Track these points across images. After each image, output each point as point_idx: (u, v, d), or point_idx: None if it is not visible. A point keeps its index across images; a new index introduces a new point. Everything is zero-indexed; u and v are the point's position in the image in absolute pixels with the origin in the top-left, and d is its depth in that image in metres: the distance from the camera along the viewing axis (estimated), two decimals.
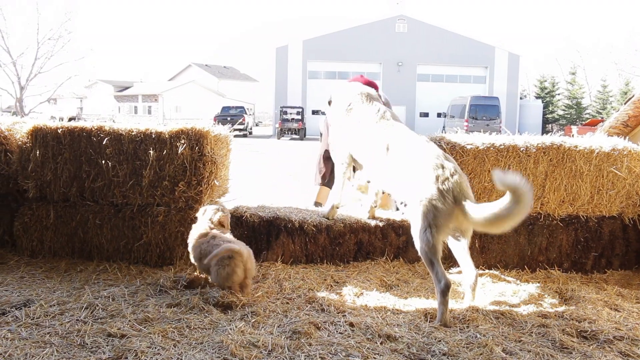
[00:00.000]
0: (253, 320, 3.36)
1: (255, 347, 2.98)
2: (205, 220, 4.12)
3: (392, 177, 4.04)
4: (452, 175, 3.64)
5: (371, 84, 4.90)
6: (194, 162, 4.41)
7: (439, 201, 3.61)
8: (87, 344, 2.98)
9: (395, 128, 4.19)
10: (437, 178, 3.64)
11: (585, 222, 4.92)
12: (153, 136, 4.46)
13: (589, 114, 51.48)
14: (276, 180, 12.55)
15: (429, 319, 3.53)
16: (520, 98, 50.34)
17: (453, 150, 4.66)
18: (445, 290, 3.54)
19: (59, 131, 4.58)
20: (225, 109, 42.61)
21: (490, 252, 4.86)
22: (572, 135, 5.01)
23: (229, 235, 4.08)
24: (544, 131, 41.29)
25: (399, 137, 4.09)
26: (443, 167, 3.68)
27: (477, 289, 4.08)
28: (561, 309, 3.88)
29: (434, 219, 3.63)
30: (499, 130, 28.35)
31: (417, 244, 3.74)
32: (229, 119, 34.57)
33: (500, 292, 4.25)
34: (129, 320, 3.28)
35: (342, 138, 4.49)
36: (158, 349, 2.92)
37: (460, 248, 3.96)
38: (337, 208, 4.88)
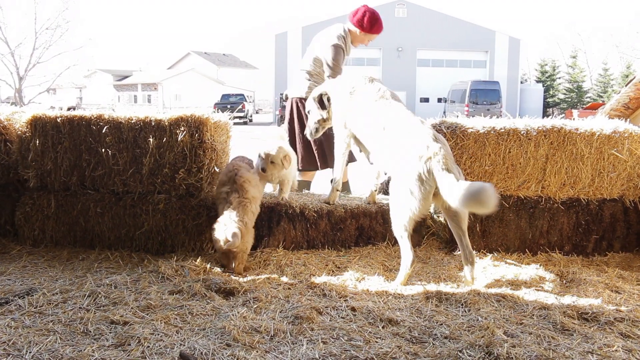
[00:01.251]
0: (255, 306, 3.38)
1: (258, 333, 2.99)
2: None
3: (386, 156, 4.13)
4: (435, 155, 3.72)
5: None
6: (194, 149, 4.40)
7: (415, 184, 3.76)
8: (90, 332, 2.99)
9: (392, 107, 4.24)
10: (420, 158, 3.75)
11: (586, 205, 4.91)
12: (152, 124, 4.45)
13: (590, 97, 51.32)
14: None
15: (430, 303, 3.54)
16: (521, 82, 50.16)
17: (453, 134, 4.65)
18: (408, 265, 3.94)
19: (58, 120, 4.57)
20: (225, 96, 42.55)
21: (491, 235, 4.86)
22: (573, 119, 5.02)
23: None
24: (545, 115, 41.07)
25: (393, 116, 4.17)
26: (427, 148, 3.76)
27: (479, 273, 4.10)
28: (562, 291, 3.90)
29: (411, 202, 3.82)
30: (499, 114, 28.27)
31: (392, 219, 4.04)
32: (228, 106, 34.50)
33: (502, 275, 4.26)
34: (132, 308, 3.30)
35: (345, 119, 4.51)
36: (161, 336, 2.93)
37: (457, 229, 4.00)
38: (338, 190, 4.87)
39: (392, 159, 4.02)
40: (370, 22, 5.57)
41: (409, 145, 3.87)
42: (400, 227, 3.94)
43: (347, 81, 4.56)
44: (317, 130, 4.85)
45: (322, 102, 4.72)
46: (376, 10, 5.68)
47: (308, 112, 4.91)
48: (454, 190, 3.53)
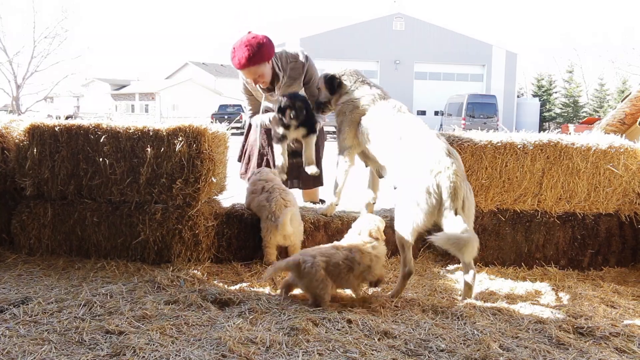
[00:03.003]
0: (251, 317, 3.37)
1: (253, 344, 2.99)
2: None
3: (398, 168, 4.13)
4: (445, 169, 3.74)
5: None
6: (192, 159, 4.41)
7: (422, 197, 3.75)
8: (86, 341, 2.98)
9: (408, 120, 4.25)
10: (431, 172, 3.76)
11: (582, 219, 4.94)
12: (150, 134, 4.45)
13: (586, 112, 51.61)
14: None
15: (426, 316, 3.54)
16: (518, 96, 50.49)
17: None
18: (406, 275, 3.96)
19: (56, 129, 4.57)
20: (222, 107, 42.62)
21: (487, 249, 4.86)
22: (570, 134, 5.09)
23: None
24: (541, 129, 41.34)
25: (409, 128, 4.16)
26: (439, 162, 3.77)
27: (475, 286, 4.10)
28: (558, 305, 3.90)
29: (417, 213, 3.81)
30: (496, 128, 28.42)
31: (395, 229, 4.01)
32: (226, 117, 34.56)
33: (497, 288, 4.27)
34: (127, 317, 3.29)
35: (354, 135, 4.50)
36: (156, 346, 2.93)
37: None
38: (336, 205, 4.88)
39: (403, 171, 4.02)
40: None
41: (421, 158, 3.87)
42: (404, 239, 3.93)
43: (360, 98, 4.50)
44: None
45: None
46: (237, 44, 4.81)
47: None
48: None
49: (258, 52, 4.73)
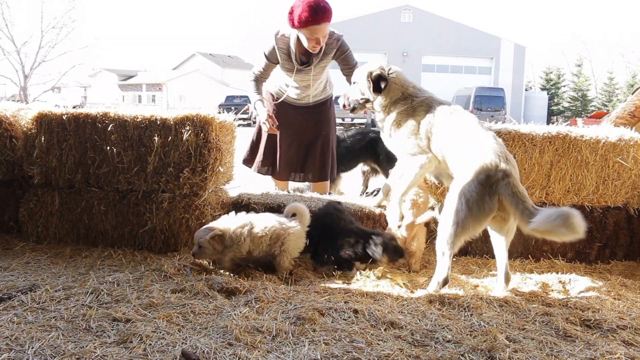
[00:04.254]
0: (257, 306, 3.37)
1: (260, 333, 2.99)
2: None
3: (453, 167, 4.03)
4: (503, 178, 3.62)
5: None
6: (199, 148, 4.41)
7: (475, 204, 3.64)
8: (93, 328, 2.99)
9: (467, 120, 4.12)
10: (488, 178, 3.64)
11: (590, 212, 4.91)
12: (158, 122, 4.46)
13: (594, 106, 51.25)
14: None
15: (433, 307, 3.54)
16: (526, 90, 50.24)
17: None
18: (441, 283, 3.84)
19: (64, 117, 4.58)
20: (229, 98, 42.63)
21: None
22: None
23: None
24: (549, 123, 40.99)
25: (467, 129, 4.02)
26: (497, 168, 3.65)
27: (484, 278, 4.11)
28: (565, 298, 3.89)
29: (463, 219, 3.69)
30: (503, 121, 28.28)
31: (439, 233, 3.85)
32: (233, 108, 34.52)
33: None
34: (134, 305, 3.29)
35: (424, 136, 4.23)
36: (163, 334, 2.93)
37: (501, 251, 4.01)
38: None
39: (456, 173, 3.90)
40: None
41: (476, 161, 3.73)
42: (445, 244, 3.78)
43: (420, 106, 4.28)
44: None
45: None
46: (304, 3, 4.73)
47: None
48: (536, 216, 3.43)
49: (331, 10, 4.86)
